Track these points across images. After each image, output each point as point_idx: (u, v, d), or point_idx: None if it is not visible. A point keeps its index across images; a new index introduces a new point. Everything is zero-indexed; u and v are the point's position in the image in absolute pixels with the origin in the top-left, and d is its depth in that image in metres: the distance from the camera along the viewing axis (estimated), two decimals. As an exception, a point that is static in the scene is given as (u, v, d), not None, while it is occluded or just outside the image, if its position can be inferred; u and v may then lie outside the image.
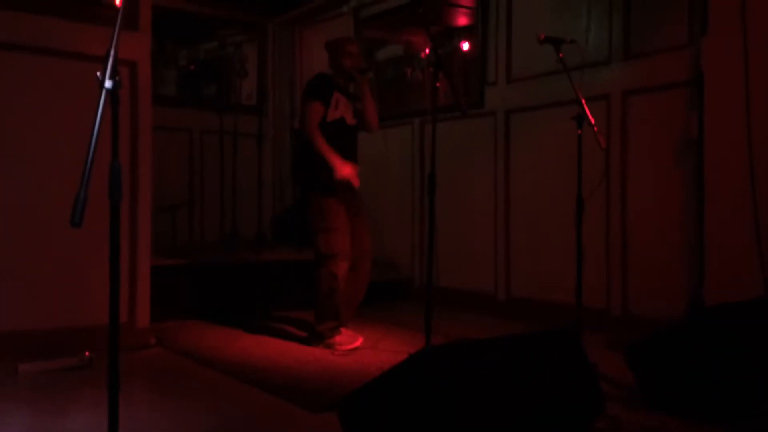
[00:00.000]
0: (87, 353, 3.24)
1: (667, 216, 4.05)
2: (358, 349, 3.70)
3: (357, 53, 3.98)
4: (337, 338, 3.73)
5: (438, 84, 3.05)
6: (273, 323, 4.45)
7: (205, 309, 4.66)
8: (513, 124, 4.98)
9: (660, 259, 4.08)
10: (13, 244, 3.36)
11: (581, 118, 3.28)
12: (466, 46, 5.30)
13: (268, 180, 6.77)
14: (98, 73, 1.68)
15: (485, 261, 5.11)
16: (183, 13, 6.41)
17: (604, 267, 4.32)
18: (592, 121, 3.23)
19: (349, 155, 3.87)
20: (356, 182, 3.81)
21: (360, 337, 3.79)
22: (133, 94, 3.61)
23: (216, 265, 4.97)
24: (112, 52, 1.70)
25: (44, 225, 3.40)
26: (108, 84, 1.67)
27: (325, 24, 6.64)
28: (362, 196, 4.03)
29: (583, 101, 3.27)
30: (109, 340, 1.72)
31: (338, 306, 3.74)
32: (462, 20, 5.39)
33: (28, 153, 3.40)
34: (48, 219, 3.39)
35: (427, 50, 5.39)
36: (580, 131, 3.31)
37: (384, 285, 5.40)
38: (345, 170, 3.75)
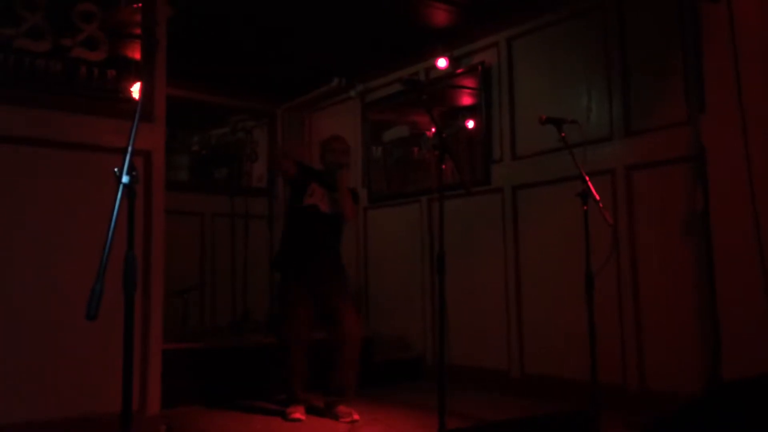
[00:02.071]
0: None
1: (678, 289, 4.04)
2: (299, 420, 3.96)
3: (340, 150, 4.29)
4: (289, 408, 4.06)
5: (444, 166, 3.12)
6: (284, 407, 4.38)
7: (216, 393, 4.60)
8: (520, 199, 5.04)
9: (674, 333, 4.03)
10: (22, 333, 3.36)
11: (586, 194, 3.33)
12: (471, 124, 5.43)
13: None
14: (116, 169, 1.75)
15: (497, 338, 5.06)
16: (195, 102, 6.63)
17: (619, 342, 4.27)
18: (597, 198, 3.28)
19: (321, 239, 4.18)
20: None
21: (299, 413, 4.02)
22: (147, 183, 3.69)
23: (227, 348, 4.94)
24: (130, 149, 1.78)
25: (55, 313, 3.41)
26: (125, 179, 1.74)
27: (333, 108, 6.84)
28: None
29: (587, 178, 3.33)
30: (122, 430, 1.71)
31: (290, 380, 4.09)
32: (466, 100, 5.54)
33: (41, 243, 3.45)
34: (59, 307, 3.40)
35: (433, 129, 5.53)
36: (585, 207, 3.35)
37: (395, 364, 5.34)
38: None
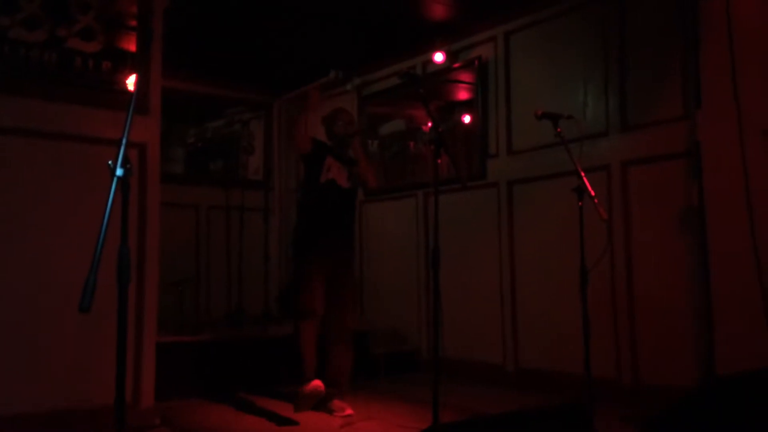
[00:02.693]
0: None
1: (673, 283, 4.05)
2: (320, 391, 3.91)
3: (348, 120, 4.25)
4: (302, 388, 3.96)
5: (439, 161, 3.12)
6: (279, 400, 4.39)
7: (211, 386, 4.60)
8: (515, 194, 5.05)
9: (668, 327, 4.05)
10: (15, 326, 3.35)
11: (581, 190, 3.33)
12: (467, 119, 5.43)
13: (275, 254, 6.82)
14: (110, 162, 1.74)
15: (493, 332, 5.08)
16: (191, 94, 6.61)
17: (613, 337, 4.29)
18: (592, 193, 3.28)
19: (339, 215, 4.13)
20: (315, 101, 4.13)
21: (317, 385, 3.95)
22: (141, 176, 3.68)
23: (222, 340, 4.94)
24: (123, 141, 1.77)
25: (48, 305, 3.41)
26: (119, 172, 1.73)
27: (330, 101, 6.79)
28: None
29: (583, 174, 3.32)
30: (115, 422, 1.71)
31: (303, 361, 3.98)
32: (463, 95, 5.54)
33: (35, 234, 3.44)
34: (53, 299, 3.40)
35: (430, 124, 5.53)
36: (581, 203, 3.35)
37: (390, 357, 5.35)
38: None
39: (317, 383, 3.93)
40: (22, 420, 3.29)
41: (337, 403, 3.98)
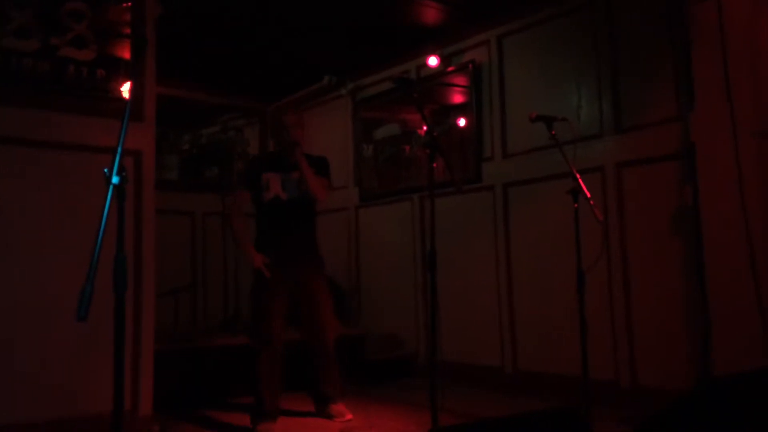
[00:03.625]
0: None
1: (669, 284, 4.06)
2: None
3: (292, 124, 3.90)
4: (258, 427, 3.72)
5: (435, 164, 3.13)
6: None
7: (207, 392, 4.59)
8: (511, 197, 5.06)
9: (665, 328, 4.06)
10: (12, 334, 3.34)
11: (577, 192, 3.35)
12: (462, 122, 5.44)
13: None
14: (106, 170, 1.74)
15: (490, 334, 5.08)
16: (185, 101, 6.61)
17: (610, 338, 4.30)
18: (588, 195, 3.30)
19: (290, 233, 3.92)
20: (266, 273, 3.80)
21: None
22: (137, 183, 3.67)
23: (219, 348, 4.93)
24: (119, 149, 1.77)
25: (45, 314, 3.39)
26: (115, 180, 1.73)
27: (324, 106, 6.83)
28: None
29: (578, 176, 3.34)
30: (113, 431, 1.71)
31: (260, 391, 3.79)
32: (457, 98, 5.55)
33: (32, 243, 3.43)
34: (49, 308, 3.39)
35: (424, 127, 5.53)
36: (576, 204, 3.37)
37: (388, 361, 5.34)
38: (255, 261, 3.82)
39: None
40: (20, 429, 3.27)
41: (336, 408, 3.97)
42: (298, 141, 3.85)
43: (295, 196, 3.90)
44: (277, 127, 3.99)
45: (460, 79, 5.49)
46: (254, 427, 3.74)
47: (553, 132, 3.45)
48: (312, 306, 3.91)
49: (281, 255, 3.86)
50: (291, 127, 3.89)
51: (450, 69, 5.55)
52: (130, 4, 3.72)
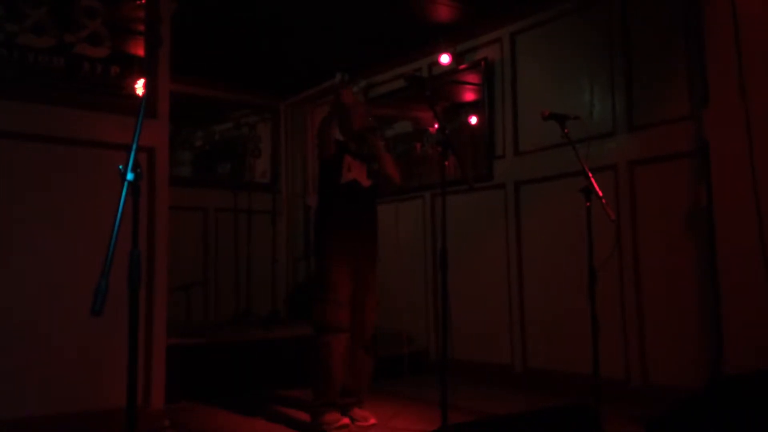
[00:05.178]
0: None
1: (681, 283, 4.04)
2: (347, 426, 3.62)
3: (363, 113, 3.93)
4: (327, 417, 3.59)
5: (446, 162, 3.12)
6: (286, 402, 4.40)
7: (219, 387, 4.62)
8: (523, 195, 5.05)
9: (677, 327, 4.04)
10: (28, 329, 3.37)
11: (589, 190, 3.34)
12: (473, 120, 5.43)
13: (282, 257, 6.83)
14: (120, 166, 1.75)
15: (501, 332, 5.08)
16: (198, 97, 6.64)
17: (621, 337, 4.28)
18: (600, 194, 3.28)
19: (364, 217, 3.83)
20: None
21: (345, 418, 3.67)
22: (150, 180, 3.70)
23: (230, 343, 4.96)
24: (134, 146, 1.78)
25: (60, 308, 3.43)
26: (130, 176, 1.75)
27: (335, 103, 6.83)
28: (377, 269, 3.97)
29: (590, 174, 3.33)
30: (126, 425, 1.73)
31: (329, 382, 3.61)
32: (469, 96, 5.54)
33: (46, 238, 3.46)
34: (64, 303, 3.42)
35: (436, 125, 5.52)
36: (588, 203, 3.35)
37: (399, 358, 5.35)
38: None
39: (346, 421, 3.64)
40: (32, 422, 3.31)
41: (358, 411, 3.80)
42: (373, 125, 3.85)
43: (370, 185, 3.88)
44: (346, 118, 3.89)
45: (473, 77, 5.48)
46: (318, 418, 3.60)
47: (566, 130, 3.44)
48: (365, 294, 3.77)
49: (355, 239, 3.76)
50: (365, 115, 3.92)
51: (462, 66, 5.54)
52: (144, 1, 3.75)
